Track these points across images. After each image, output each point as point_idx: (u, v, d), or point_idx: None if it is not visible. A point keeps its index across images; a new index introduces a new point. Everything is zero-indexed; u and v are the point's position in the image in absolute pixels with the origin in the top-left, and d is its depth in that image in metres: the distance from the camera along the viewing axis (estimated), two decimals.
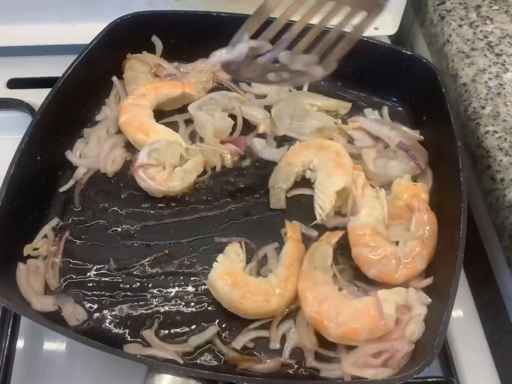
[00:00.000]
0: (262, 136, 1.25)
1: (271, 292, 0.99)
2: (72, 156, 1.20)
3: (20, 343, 1.01)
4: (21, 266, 1.03)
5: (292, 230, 1.09)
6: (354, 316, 0.94)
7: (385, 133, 1.22)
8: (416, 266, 1.02)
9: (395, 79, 1.27)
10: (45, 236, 1.09)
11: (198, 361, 0.96)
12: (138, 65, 1.29)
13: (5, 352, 0.97)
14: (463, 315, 1.08)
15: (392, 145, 1.21)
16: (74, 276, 1.05)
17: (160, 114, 1.24)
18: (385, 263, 1.01)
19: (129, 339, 0.98)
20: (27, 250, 1.05)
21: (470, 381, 1.00)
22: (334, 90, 1.33)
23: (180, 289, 1.04)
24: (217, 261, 1.02)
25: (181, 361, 0.94)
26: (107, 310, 1.01)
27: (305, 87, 1.32)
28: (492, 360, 1.03)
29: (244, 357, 0.95)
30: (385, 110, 1.30)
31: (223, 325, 1.00)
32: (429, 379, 0.96)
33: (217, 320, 1.00)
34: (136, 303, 1.02)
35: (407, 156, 1.17)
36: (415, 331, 0.95)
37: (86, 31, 1.28)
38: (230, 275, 1.00)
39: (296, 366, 0.96)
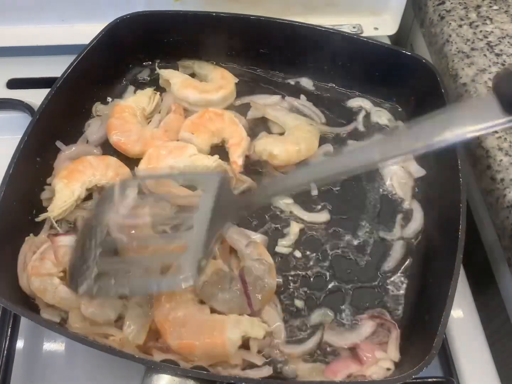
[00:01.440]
0: None
1: None
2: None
3: (20, 343, 1.01)
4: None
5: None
6: (196, 332, 0.92)
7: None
8: None
9: (394, 80, 1.27)
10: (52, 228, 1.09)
11: None
12: None
13: (5, 352, 0.97)
14: (463, 315, 1.08)
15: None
16: None
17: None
18: None
19: None
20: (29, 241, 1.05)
21: (470, 381, 1.00)
22: (334, 91, 1.34)
23: None
24: None
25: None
26: None
27: None
28: (492, 360, 1.03)
29: None
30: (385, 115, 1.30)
31: None
32: (429, 379, 0.96)
33: None
34: None
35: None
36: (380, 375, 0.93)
37: (85, 31, 1.28)
38: None
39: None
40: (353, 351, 0.97)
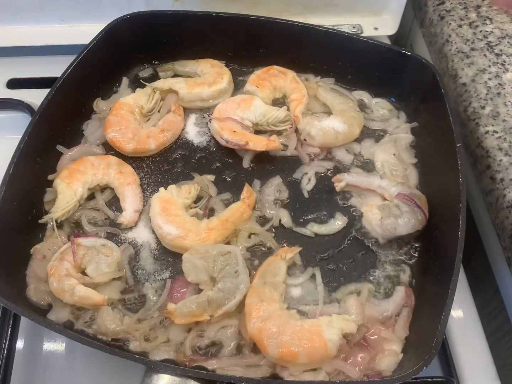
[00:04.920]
0: None
1: (192, 232, 1.03)
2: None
3: (20, 343, 1.01)
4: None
5: (248, 193, 1.12)
6: (295, 339, 0.91)
7: (377, 184, 1.14)
8: None
9: (394, 79, 1.27)
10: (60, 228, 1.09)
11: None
12: None
13: (5, 352, 0.97)
14: (463, 314, 1.08)
15: (388, 196, 1.12)
16: None
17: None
18: None
19: None
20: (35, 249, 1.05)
21: (470, 381, 1.00)
22: None
23: None
24: (165, 188, 1.09)
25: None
26: None
27: None
28: (492, 360, 1.03)
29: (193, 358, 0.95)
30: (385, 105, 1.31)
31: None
32: (429, 379, 0.96)
33: None
34: None
35: (412, 208, 1.07)
36: (390, 365, 0.94)
37: (85, 31, 1.29)
38: (166, 202, 1.06)
39: None
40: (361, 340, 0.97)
